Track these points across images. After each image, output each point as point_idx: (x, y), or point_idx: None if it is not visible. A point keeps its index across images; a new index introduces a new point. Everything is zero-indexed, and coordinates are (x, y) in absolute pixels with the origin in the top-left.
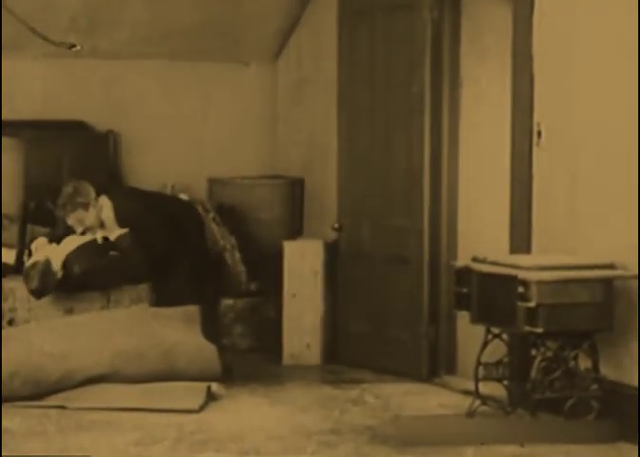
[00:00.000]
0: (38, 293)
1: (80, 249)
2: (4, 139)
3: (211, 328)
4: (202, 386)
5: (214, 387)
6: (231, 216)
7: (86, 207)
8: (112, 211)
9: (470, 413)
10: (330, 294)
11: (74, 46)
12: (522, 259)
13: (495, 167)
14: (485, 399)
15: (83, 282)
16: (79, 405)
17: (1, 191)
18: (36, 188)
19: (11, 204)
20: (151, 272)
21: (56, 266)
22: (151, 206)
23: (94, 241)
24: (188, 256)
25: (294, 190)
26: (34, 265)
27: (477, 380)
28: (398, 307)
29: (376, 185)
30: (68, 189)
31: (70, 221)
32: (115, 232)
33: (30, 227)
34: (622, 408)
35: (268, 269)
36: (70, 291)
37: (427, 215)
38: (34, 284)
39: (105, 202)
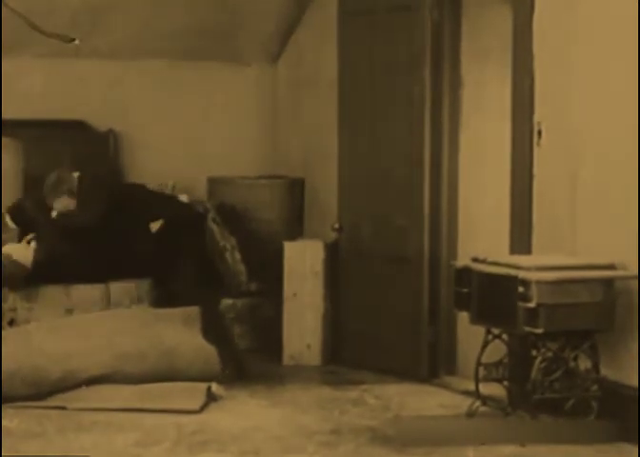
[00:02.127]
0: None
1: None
2: (4, 139)
3: (219, 330)
4: (202, 386)
5: (214, 387)
6: (232, 216)
7: (71, 193)
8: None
9: (471, 414)
10: (331, 295)
11: (74, 40)
12: (522, 259)
13: (496, 166)
14: (485, 399)
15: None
16: (79, 405)
17: (1, 191)
18: (36, 188)
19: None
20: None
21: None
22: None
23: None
24: (188, 257)
25: (294, 190)
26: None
27: (477, 380)
28: (398, 308)
29: (377, 185)
30: (51, 178)
31: (57, 207)
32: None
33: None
34: (622, 409)
35: (268, 270)
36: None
37: (427, 215)
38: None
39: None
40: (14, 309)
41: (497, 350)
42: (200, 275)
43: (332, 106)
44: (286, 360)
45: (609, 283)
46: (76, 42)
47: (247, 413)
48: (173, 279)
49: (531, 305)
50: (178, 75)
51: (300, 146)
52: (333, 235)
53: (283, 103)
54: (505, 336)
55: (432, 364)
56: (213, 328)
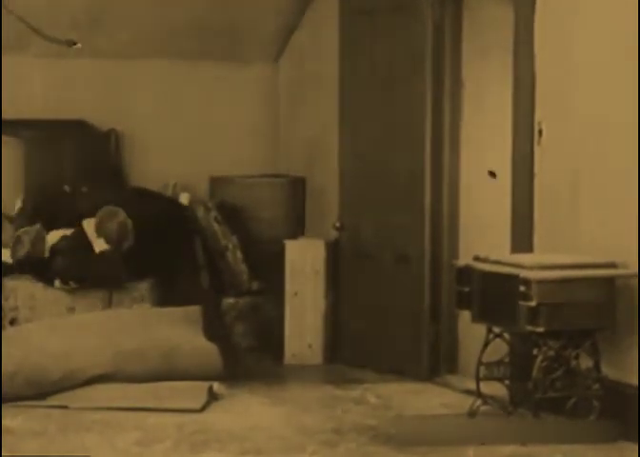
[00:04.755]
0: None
1: (65, 240)
2: (4, 139)
3: (217, 327)
4: (203, 385)
5: (216, 386)
6: (233, 215)
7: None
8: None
9: (472, 413)
10: (332, 293)
11: (75, 43)
12: (523, 258)
13: (497, 165)
14: (486, 399)
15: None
16: (80, 404)
17: (1, 191)
18: (37, 188)
19: (11, 204)
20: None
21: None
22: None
23: (79, 234)
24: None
25: (296, 189)
26: (27, 231)
27: (478, 379)
28: (399, 307)
29: (378, 184)
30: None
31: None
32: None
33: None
34: (623, 408)
35: (269, 269)
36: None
37: (428, 214)
38: (23, 251)
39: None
40: (16, 309)
41: (498, 349)
42: (201, 274)
43: (333, 105)
44: (287, 359)
45: (610, 281)
46: (78, 46)
47: (248, 412)
48: (175, 279)
49: (533, 304)
50: (179, 74)
51: (301, 145)
52: (335, 234)
53: (284, 102)
54: (506, 335)
55: (434, 363)
56: (213, 327)
